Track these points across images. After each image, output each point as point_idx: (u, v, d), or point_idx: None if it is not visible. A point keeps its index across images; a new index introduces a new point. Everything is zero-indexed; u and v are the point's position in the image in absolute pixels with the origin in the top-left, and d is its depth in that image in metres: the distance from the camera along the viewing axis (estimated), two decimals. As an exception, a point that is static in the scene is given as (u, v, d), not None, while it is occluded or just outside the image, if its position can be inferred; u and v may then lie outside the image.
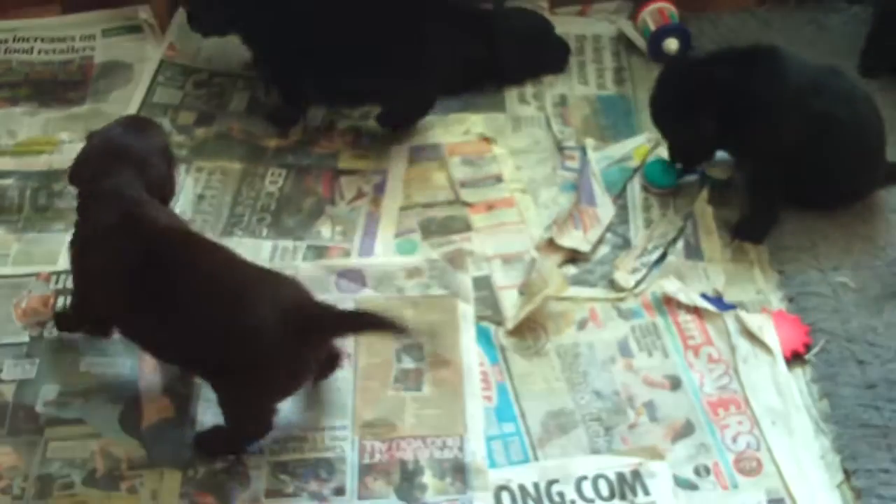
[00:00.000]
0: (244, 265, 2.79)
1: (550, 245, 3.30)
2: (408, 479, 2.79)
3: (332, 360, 2.91)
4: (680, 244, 3.36)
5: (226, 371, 2.70)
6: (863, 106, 3.40)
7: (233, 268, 2.76)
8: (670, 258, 3.32)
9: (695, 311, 3.17)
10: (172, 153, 3.06)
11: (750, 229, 3.39)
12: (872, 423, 2.94)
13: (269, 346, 2.63)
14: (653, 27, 3.97)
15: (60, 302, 3.14)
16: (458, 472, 2.80)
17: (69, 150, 3.35)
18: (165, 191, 2.94)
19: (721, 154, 3.49)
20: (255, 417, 2.80)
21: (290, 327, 2.64)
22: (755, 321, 3.11)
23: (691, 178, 3.54)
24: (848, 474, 2.86)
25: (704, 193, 3.49)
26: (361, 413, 2.91)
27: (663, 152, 3.54)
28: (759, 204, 3.41)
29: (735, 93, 3.28)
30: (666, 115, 3.42)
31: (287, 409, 2.88)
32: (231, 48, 3.85)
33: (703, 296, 3.20)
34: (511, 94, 3.85)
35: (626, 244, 3.37)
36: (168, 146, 3.03)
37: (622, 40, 4.07)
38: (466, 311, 3.13)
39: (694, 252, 3.35)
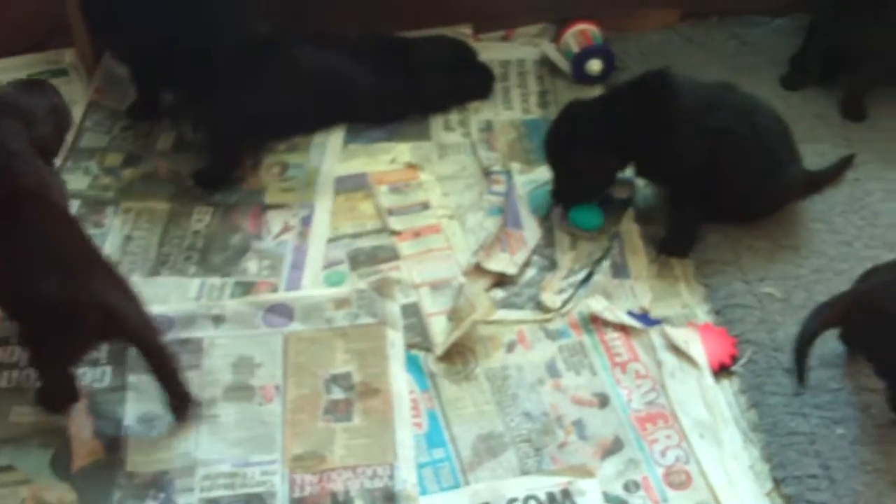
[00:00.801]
0: (78, 247, 2.87)
1: (478, 270, 3.31)
2: (339, 510, 2.78)
3: (179, 400, 2.93)
4: (607, 263, 3.37)
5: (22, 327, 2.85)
6: (761, 118, 3.43)
7: (60, 242, 2.82)
8: (597, 277, 3.33)
9: (621, 328, 3.18)
10: (67, 114, 3.16)
11: (674, 245, 3.41)
12: (800, 430, 2.96)
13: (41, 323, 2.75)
14: (576, 49, 4.00)
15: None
16: (389, 500, 2.79)
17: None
18: (50, 148, 3.03)
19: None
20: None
21: (59, 315, 2.72)
22: (681, 335, 3.13)
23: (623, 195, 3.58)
24: (777, 482, 2.88)
25: (631, 212, 3.52)
26: (291, 446, 2.90)
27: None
28: (679, 220, 3.43)
29: (633, 122, 3.30)
30: (565, 154, 3.42)
31: (217, 445, 2.88)
32: (155, 88, 3.84)
33: (630, 313, 3.22)
34: (436, 122, 3.87)
35: (552, 265, 3.38)
36: (61, 106, 3.12)
37: (546, 63, 4.10)
38: (395, 338, 3.14)
39: (621, 270, 3.36)
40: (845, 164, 3.63)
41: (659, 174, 3.45)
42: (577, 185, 3.46)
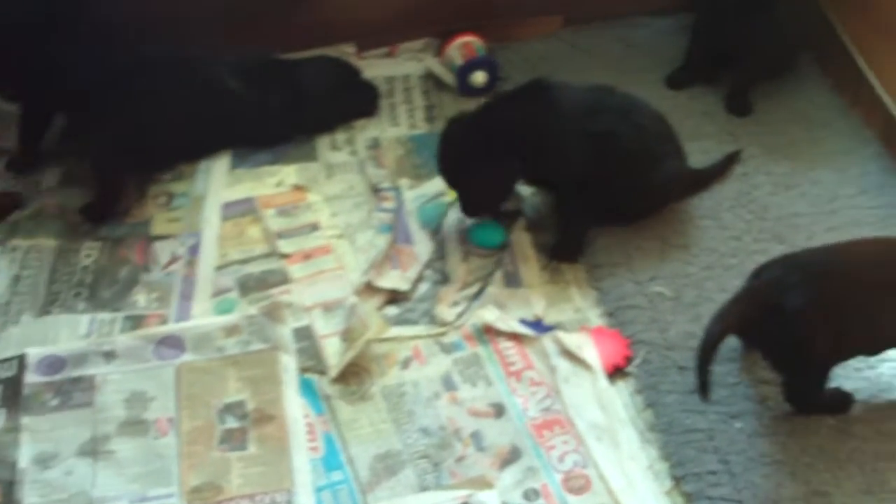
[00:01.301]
0: None
1: (369, 288, 3.29)
2: (237, 539, 2.74)
3: None
4: (499, 273, 3.36)
5: None
6: (643, 118, 3.45)
7: None
8: (490, 288, 3.31)
9: (514, 337, 3.18)
10: None
11: (564, 251, 3.41)
12: (697, 427, 2.97)
13: None
14: (460, 62, 3.99)
15: None
16: (288, 526, 2.75)
17: None
18: None
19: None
20: None
21: None
22: (574, 340, 3.13)
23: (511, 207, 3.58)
24: (676, 480, 2.89)
25: (522, 222, 3.51)
26: (187, 479, 2.86)
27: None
28: (568, 226, 3.44)
29: (518, 132, 3.30)
30: (462, 169, 3.39)
31: (114, 481, 2.85)
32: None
33: (522, 321, 3.21)
34: (323, 142, 3.84)
35: (445, 279, 3.37)
36: None
37: (431, 78, 4.09)
38: (288, 363, 3.11)
39: (513, 280, 3.36)
40: (732, 159, 3.66)
41: (546, 181, 3.43)
42: (483, 196, 3.44)
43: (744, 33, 3.86)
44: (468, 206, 3.45)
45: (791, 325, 2.84)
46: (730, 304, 2.95)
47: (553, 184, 3.43)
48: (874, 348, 2.99)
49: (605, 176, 3.36)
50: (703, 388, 2.89)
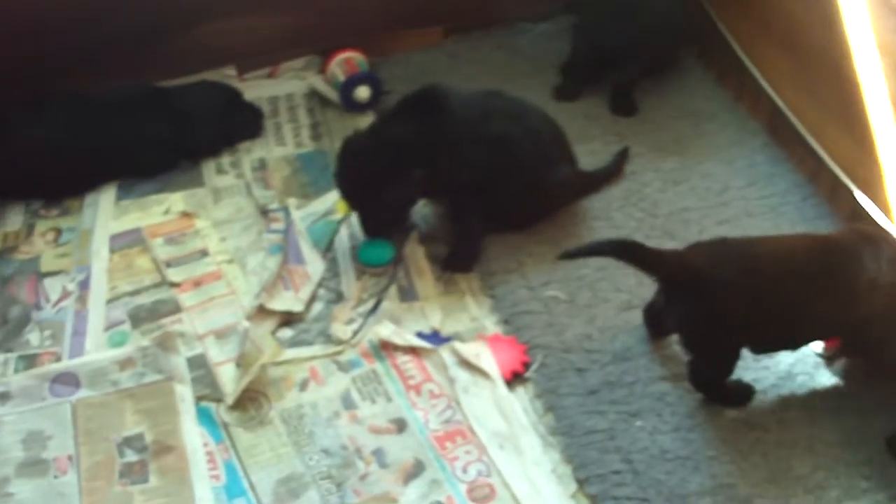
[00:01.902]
0: None
1: (262, 311, 3.25)
2: (140, 573, 2.69)
3: None
4: (393, 288, 3.33)
5: None
6: (533, 120, 3.46)
7: None
8: (385, 304, 3.29)
9: (412, 350, 3.16)
10: None
11: (458, 260, 3.39)
12: (598, 428, 2.96)
13: None
14: (342, 78, 3.97)
15: None
16: (192, 556, 2.71)
17: None
18: None
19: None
20: None
21: None
22: (471, 350, 3.11)
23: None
24: (581, 483, 2.88)
25: (415, 235, 3.49)
26: (89, 516, 2.81)
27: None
28: (462, 236, 3.42)
29: (416, 143, 3.28)
30: (362, 188, 3.36)
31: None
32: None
33: (419, 334, 3.19)
34: (208, 167, 3.80)
35: (339, 297, 3.34)
36: None
37: (315, 95, 4.06)
38: (184, 393, 3.07)
39: (408, 294, 3.34)
40: (622, 159, 3.67)
41: (442, 189, 3.41)
42: (386, 214, 3.41)
43: (623, 34, 3.87)
44: (370, 226, 3.42)
45: (712, 298, 2.86)
46: (655, 248, 2.97)
47: (450, 193, 3.39)
48: (791, 341, 3.01)
49: (502, 180, 3.34)
50: (570, 255, 2.98)
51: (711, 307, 2.86)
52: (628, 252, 2.91)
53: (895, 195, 3.29)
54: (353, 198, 3.39)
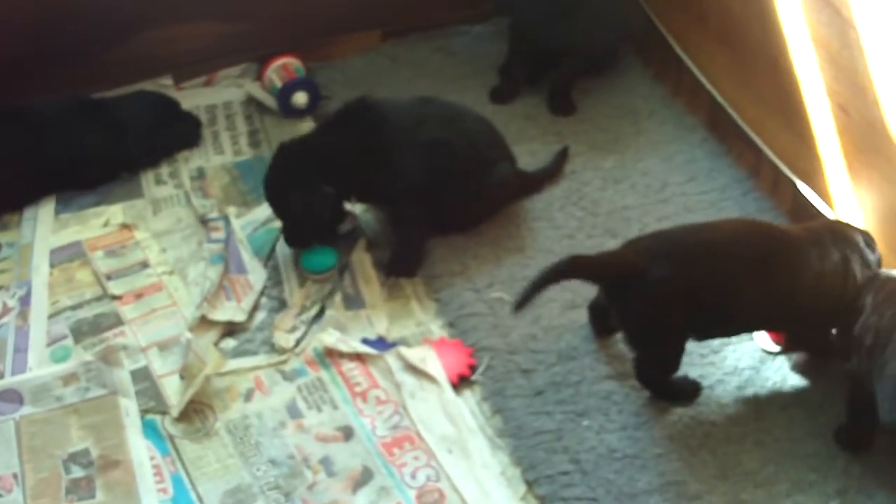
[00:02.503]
0: None
1: (205, 322, 3.23)
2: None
3: None
4: (339, 296, 3.32)
5: None
6: (468, 123, 3.45)
7: None
8: (330, 311, 3.27)
9: (357, 357, 3.15)
10: None
11: (402, 265, 3.38)
12: (546, 428, 2.96)
13: None
14: (280, 84, 3.95)
15: None
16: (140, 570, 2.68)
17: None
18: None
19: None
20: None
21: None
22: (417, 354, 3.11)
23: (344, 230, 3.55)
24: (530, 484, 2.88)
25: (362, 243, 3.48)
26: (35, 534, 2.78)
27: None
28: (404, 241, 3.41)
29: (348, 152, 3.27)
30: (283, 198, 3.35)
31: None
32: None
33: (364, 340, 3.18)
34: (147, 177, 3.77)
35: (282, 305, 3.31)
36: None
37: (253, 103, 4.04)
38: (129, 406, 3.04)
39: (354, 302, 3.33)
40: (561, 158, 3.67)
41: (382, 197, 3.40)
42: (303, 226, 3.39)
43: (558, 33, 3.86)
44: (289, 235, 3.41)
45: (653, 295, 2.87)
46: (591, 255, 2.97)
47: (389, 199, 3.38)
48: (733, 328, 3.02)
49: (441, 185, 3.35)
50: (521, 304, 2.89)
51: (652, 303, 2.86)
52: (570, 270, 2.92)
53: (836, 186, 3.31)
54: (273, 205, 3.39)
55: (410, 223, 3.39)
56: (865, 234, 3.04)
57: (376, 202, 3.47)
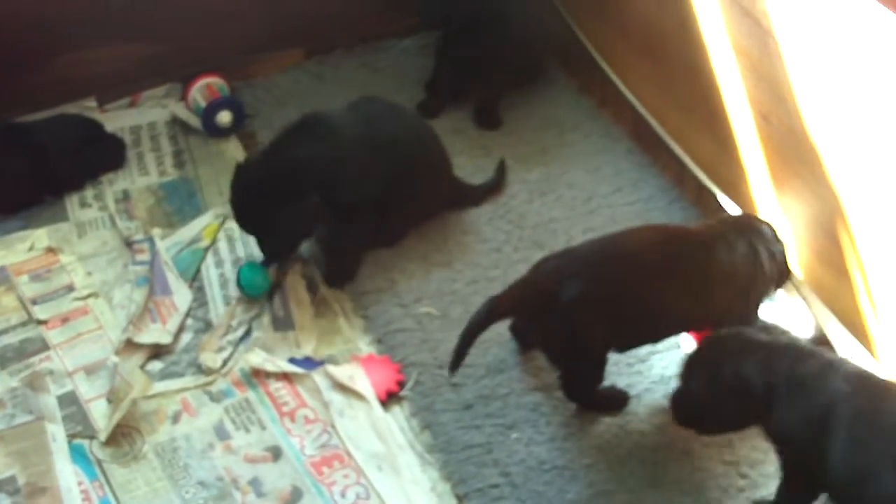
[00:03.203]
0: None
1: (131, 345, 3.20)
2: None
3: None
4: (267, 318, 3.30)
5: None
6: (412, 121, 3.52)
7: None
8: (256, 333, 3.26)
9: (285, 377, 3.13)
10: None
11: (341, 275, 3.39)
12: (475, 442, 2.97)
13: None
14: (204, 104, 3.93)
15: None
16: None
17: None
18: None
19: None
20: None
21: None
22: (345, 372, 3.10)
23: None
24: (460, 499, 2.87)
25: (298, 267, 3.46)
26: (-39, 565, 2.75)
27: (234, 228, 3.49)
28: (342, 251, 3.43)
29: (311, 166, 3.26)
30: (261, 214, 3.30)
31: None
32: None
33: (291, 360, 3.16)
34: (72, 201, 3.74)
35: (208, 326, 3.30)
36: None
37: (178, 123, 4.01)
38: (56, 432, 3.02)
39: (283, 323, 3.31)
40: (502, 172, 3.69)
41: (337, 207, 3.35)
42: (285, 238, 3.36)
43: (482, 48, 3.87)
44: (269, 252, 3.38)
45: (567, 316, 2.87)
46: (504, 290, 2.96)
47: (342, 209, 3.34)
48: (655, 335, 3.04)
49: (392, 183, 3.35)
50: (456, 364, 2.92)
51: (567, 324, 2.87)
52: (490, 316, 2.93)
53: (759, 195, 3.33)
54: (248, 225, 3.36)
55: (355, 231, 3.40)
56: (769, 226, 3.06)
57: (332, 214, 3.42)
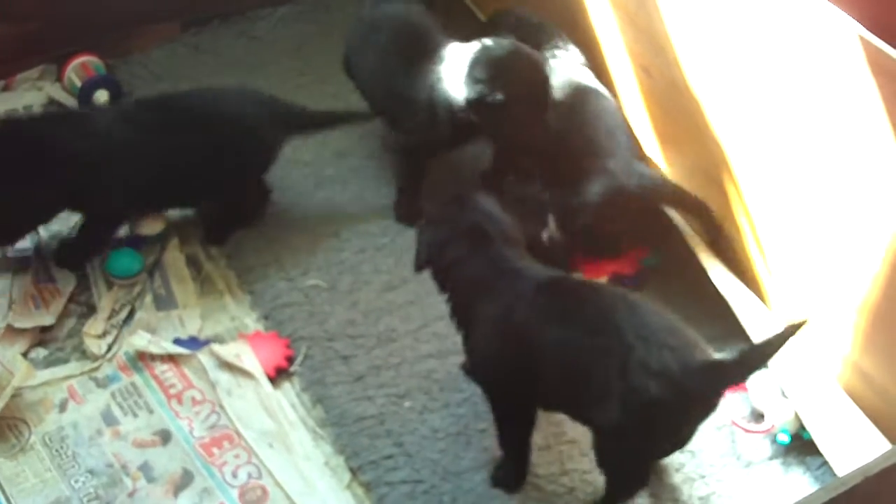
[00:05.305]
0: None
1: (11, 332, 3.13)
2: None
3: None
4: (149, 297, 3.25)
5: None
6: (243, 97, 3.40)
7: None
8: (140, 314, 3.20)
9: (170, 358, 3.08)
10: None
11: (219, 236, 3.37)
12: (368, 414, 2.95)
13: None
14: (79, 83, 3.84)
15: None
16: None
17: None
18: None
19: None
20: None
21: None
22: (231, 350, 3.06)
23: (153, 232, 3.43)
24: (354, 472, 2.85)
25: (175, 242, 3.40)
26: None
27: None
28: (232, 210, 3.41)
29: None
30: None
31: None
32: None
33: (176, 340, 3.11)
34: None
35: (91, 311, 3.23)
36: None
37: (54, 105, 3.91)
38: (-63, 428, 2.94)
39: (166, 302, 3.26)
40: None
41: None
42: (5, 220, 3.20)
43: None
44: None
45: None
46: None
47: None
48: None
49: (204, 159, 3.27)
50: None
51: None
52: None
53: (643, 145, 3.33)
54: None
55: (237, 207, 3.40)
56: None
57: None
